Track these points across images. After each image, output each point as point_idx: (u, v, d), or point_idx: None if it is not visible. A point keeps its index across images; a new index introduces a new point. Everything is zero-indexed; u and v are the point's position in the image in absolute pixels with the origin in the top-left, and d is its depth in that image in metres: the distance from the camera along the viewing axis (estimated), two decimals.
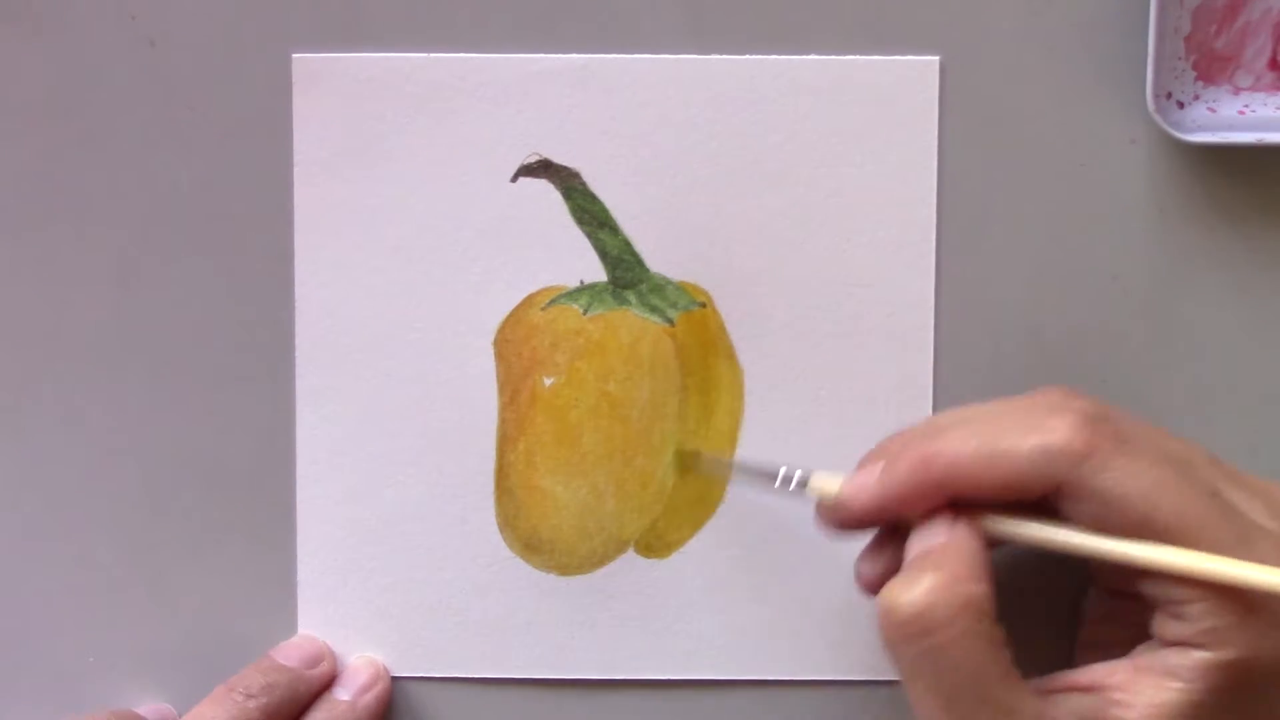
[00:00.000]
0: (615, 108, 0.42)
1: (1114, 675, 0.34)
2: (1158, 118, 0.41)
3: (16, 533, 0.43)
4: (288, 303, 0.43)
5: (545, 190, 0.42)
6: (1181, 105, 0.42)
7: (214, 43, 0.42)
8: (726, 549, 0.43)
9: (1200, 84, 0.42)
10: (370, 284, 0.42)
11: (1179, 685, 0.33)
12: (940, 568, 0.34)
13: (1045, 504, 0.35)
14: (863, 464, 0.37)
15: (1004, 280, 0.42)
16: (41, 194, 0.42)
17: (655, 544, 0.43)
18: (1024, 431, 0.34)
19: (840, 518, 0.37)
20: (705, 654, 0.43)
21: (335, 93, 0.42)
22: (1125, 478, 0.33)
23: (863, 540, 0.39)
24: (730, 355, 0.43)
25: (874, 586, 0.37)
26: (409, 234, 0.42)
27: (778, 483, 0.39)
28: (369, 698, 0.42)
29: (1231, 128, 0.42)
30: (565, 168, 0.42)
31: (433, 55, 0.42)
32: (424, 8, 0.42)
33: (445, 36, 0.42)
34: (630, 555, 0.43)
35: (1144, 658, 0.34)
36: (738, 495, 0.43)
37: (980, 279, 0.42)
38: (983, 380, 0.43)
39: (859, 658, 0.43)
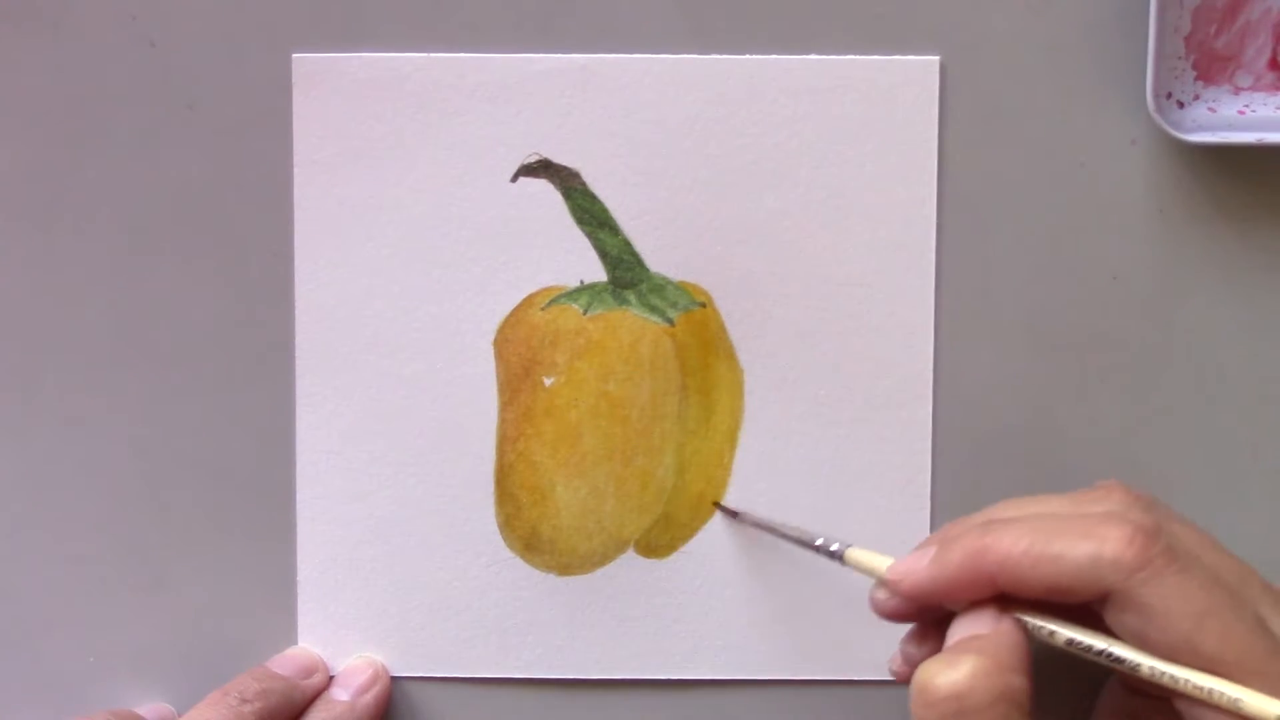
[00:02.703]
0: (615, 108, 0.42)
1: None
2: (1158, 118, 0.41)
3: (17, 532, 0.43)
4: (288, 303, 0.43)
5: (545, 190, 0.42)
6: (1181, 105, 0.42)
7: (214, 43, 0.42)
8: (726, 549, 0.43)
9: (1200, 84, 0.42)
10: (370, 284, 0.42)
11: None
12: (983, 653, 0.34)
13: (1088, 609, 0.35)
14: (918, 548, 0.37)
15: (1004, 280, 0.42)
16: (42, 194, 0.42)
17: (655, 544, 0.43)
18: (1078, 537, 0.34)
19: (888, 606, 0.38)
20: (705, 654, 0.43)
21: (335, 93, 0.42)
22: (1174, 596, 0.33)
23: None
24: (730, 355, 0.43)
25: (912, 670, 0.38)
26: (409, 234, 0.42)
27: (816, 545, 0.40)
28: (368, 698, 0.42)
29: (1231, 128, 0.42)
30: (565, 168, 0.42)
31: (433, 55, 0.42)
32: (424, 8, 0.42)
33: (445, 36, 0.42)
34: (630, 555, 0.43)
35: None
36: (738, 495, 0.43)
37: (980, 279, 0.42)
38: (983, 380, 0.43)
39: (859, 658, 0.43)
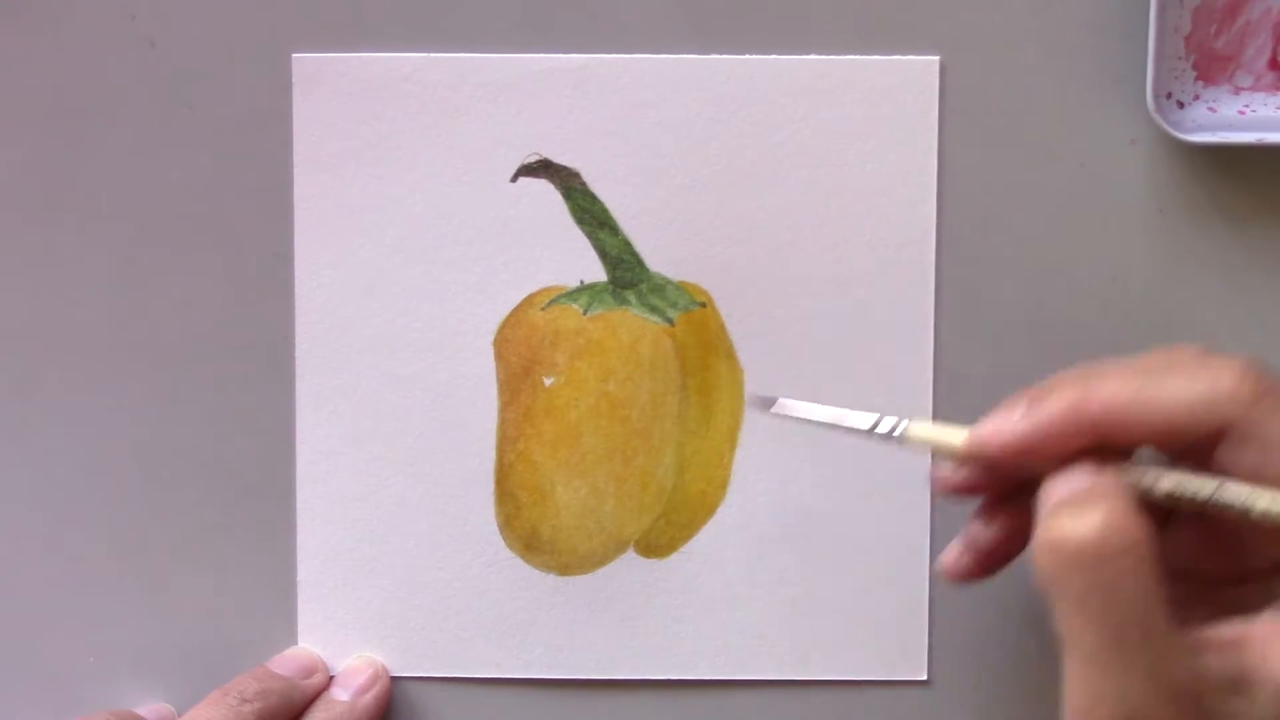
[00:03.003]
0: (615, 108, 0.42)
1: (1256, 630, 0.33)
2: (1158, 118, 0.41)
3: (16, 533, 0.43)
4: (288, 303, 0.43)
5: (545, 190, 0.42)
6: (1181, 105, 0.42)
7: (214, 43, 0.42)
8: (726, 549, 0.43)
9: (1200, 84, 0.42)
10: (370, 284, 0.42)
11: None
12: (1106, 504, 0.32)
13: (1192, 458, 0.34)
14: (999, 412, 0.35)
15: (1004, 280, 0.42)
16: (42, 194, 0.42)
17: (655, 544, 0.43)
18: (1189, 375, 0.33)
19: (957, 479, 0.36)
20: (705, 654, 0.43)
21: (335, 93, 0.42)
22: None
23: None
24: (730, 355, 0.43)
25: (985, 553, 0.37)
26: (409, 234, 0.42)
27: (871, 429, 0.37)
28: (368, 698, 0.42)
29: (1231, 128, 0.42)
30: (565, 168, 0.42)
31: (433, 55, 0.42)
32: (424, 8, 0.42)
33: (445, 36, 0.42)
34: (630, 555, 0.43)
35: None
36: (738, 495, 0.43)
37: (980, 279, 0.42)
38: (983, 380, 0.43)
39: (859, 658, 0.43)
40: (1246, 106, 0.42)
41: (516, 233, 0.42)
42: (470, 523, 0.43)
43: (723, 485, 0.43)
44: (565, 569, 0.43)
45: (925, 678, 0.43)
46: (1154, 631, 0.32)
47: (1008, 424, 0.34)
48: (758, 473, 0.43)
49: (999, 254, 0.42)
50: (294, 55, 0.42)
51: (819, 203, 0.42)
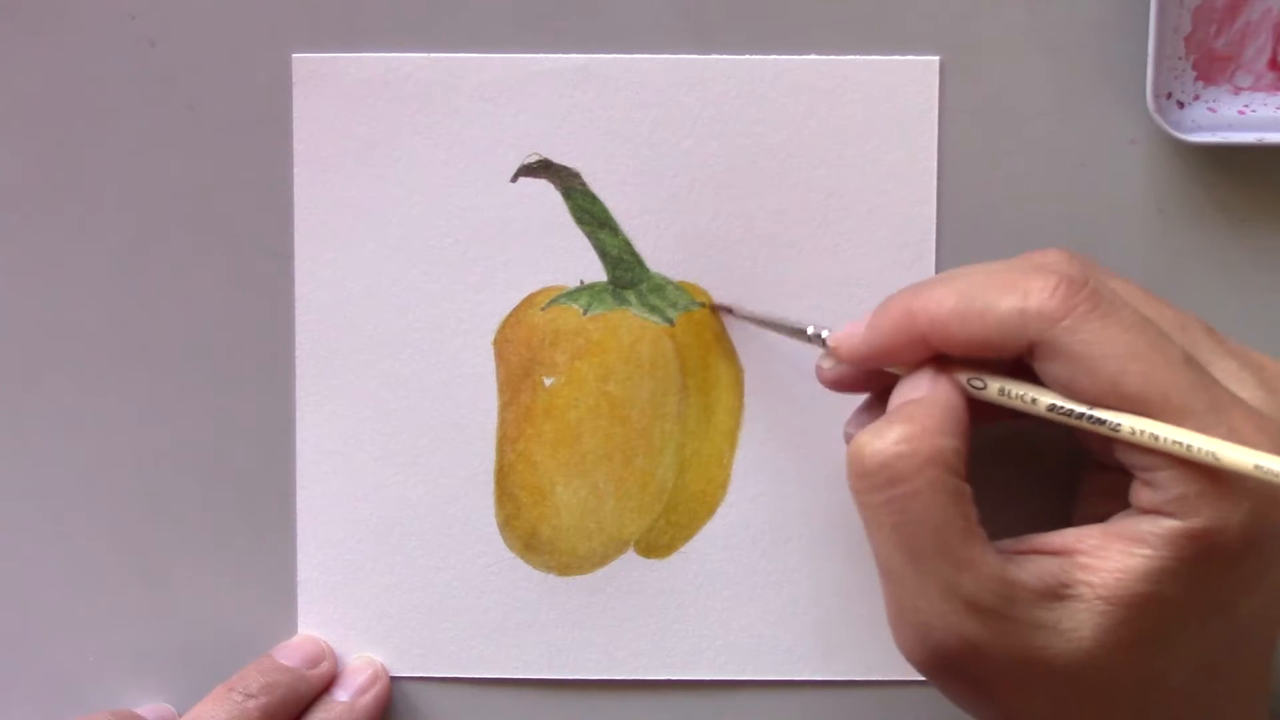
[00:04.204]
0: (615, 108, 0.42)
1: (1084, 540, 0.34)
2: (1158, 118, 0.41)
3: (16, 533, 0.43)
4: (288, 303, 0.43)
5: (545, 190, 0.42)
6: (1181, 105, 0.42)
7: (214, 43, 0.42)
8: (726, 549, 0.43)
9: (1200, 84, 0.42)
10: (370, 284, 0.42)
11: (1147, 552, 0.33)
12: (911, 420, 0.34)
13: (1024, 366, 0.35)
14: (848, 322, 0.38)
15: None
16: (42, 194, 0.42)
17: (655, 544, 0.43)
18: (1003, 291, 0.34)
19: (831, 374, 0.39)
20: (705, 654, 0.43)
21: (335, 93, 0.42)
22: (1096, 341, 0.33)
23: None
24: (730, 355, 0.43)
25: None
26: (409, 234, 0.42)
27: (806, 332, 0.39)
28: (367, 698, 0.42)
29: (1231, 128, 0.42)
30: (565, 168, 0.42)
31: (433, 55, 0.42)
32: (424, 8, 0.42)
33: (445, 36, 0.42)
34: (630, 555, 0.43)
35: (1117, 524, 0.34)
36: (738, 495, 0.43)
37: None
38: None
39: (858, 658, 0.43)
40: (1246, 106, 0.42)
41: (516, 233, 0.42)
42: (470, 523, 0.43)
43: (723, 485, 0.43)
44: (565, 569, 0.43)
45: (925, 678, 0.43)
46: (949, 547, 0.33)
47: (854, 333, 0.37)
48: (758, 473, 0.43)
49: (999, 254, 0.42)
50: (294, 55, 0.42)
51: (819, 203, 0.42)
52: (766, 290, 0.42)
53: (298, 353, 0.43)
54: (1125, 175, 0.42)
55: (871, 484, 0.34)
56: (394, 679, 0.43)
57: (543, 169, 0.42)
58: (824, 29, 0.42)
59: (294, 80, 0.42)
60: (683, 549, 0.43)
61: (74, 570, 0.43)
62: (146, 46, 0.42)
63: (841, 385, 0.39)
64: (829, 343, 0.38)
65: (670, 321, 0.42)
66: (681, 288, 0.42)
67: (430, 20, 0.42)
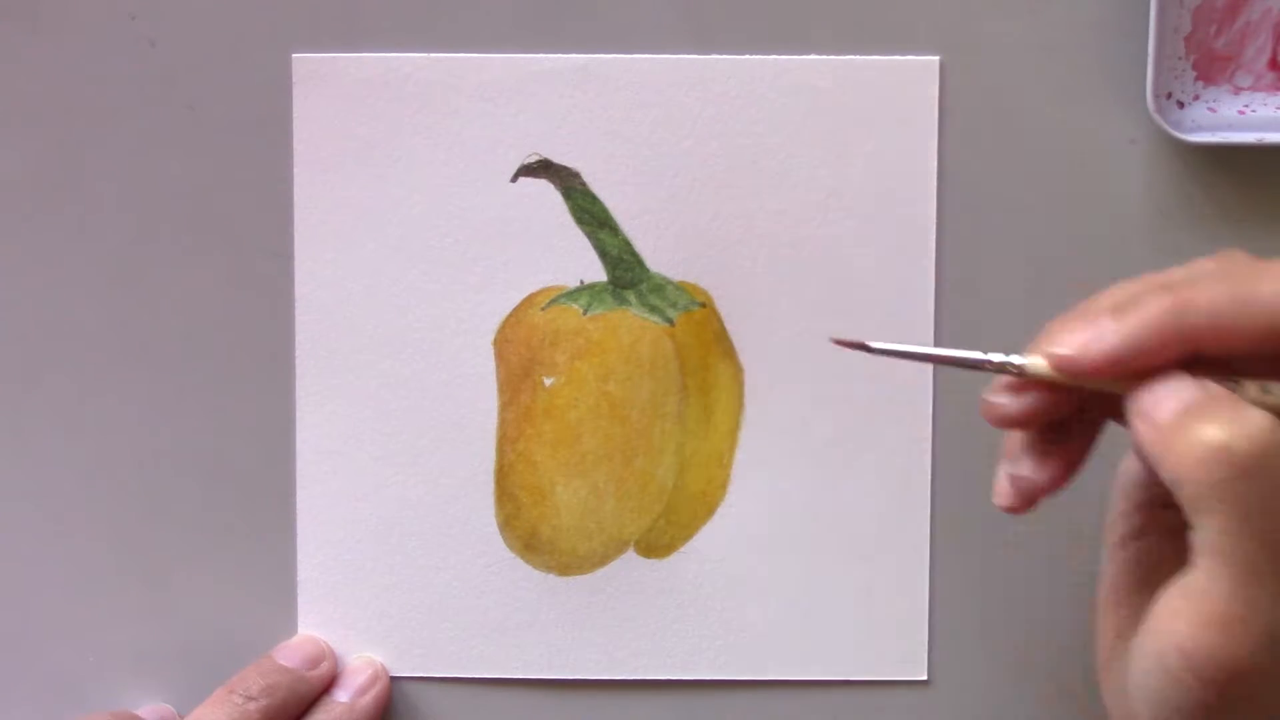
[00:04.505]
0: (615, 108, 0.42)
1: None
2: (1158, 118, 0.41)
3: (16, 533, 0.43)
4: (288, 303, 0.43)
5: (545, 190, 0.42)
6: (1181, 105, 0.42)
7: (214, 43, 0.42)
8: (726, 549, 0.43)
9: (1200, 84, 0.42)
10: (370, 284, 0.42)
11: None
12: (1246, 410, 0.30)
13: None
14: (1071, 325, 0.32)
15: (1004, 280, 0.42)
16: (41, 194, 0.42)
17: (655, 544, 0.43)
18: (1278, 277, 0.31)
19: (1012, 409, 0.33)
20: (705, 654, 0.43)
21: (335, 93, 0.42)
22: None
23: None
24: (730, 355, 0.43)
25: (1039, 491, 0.34)
26: (409, 234, 0.42)
27: (984, 359, 0.34)
28: (367, 699, 0.42)
29: (1231, 128, 0.42)
30: (565, 168, 0.42)
31: (433, 55, 0.42)
32: (424, 8, 0.42)
33: (445, 36, 0.42)
34: (630, 555, 0.43)
35: None
36: (738, 495, 0.43)
37: (980, 278, 0.42)
38: (983, 380, 0.42)
39: (859, 658, 0.43)
40: (1246, 106, 0.42)
41: (516, 233, 0.42)
42: (470, 523, 0.43)
43: (723, 485, 0.43)
44: (565, 569, 0.43)
45: (925, 678, 0.43)
46: None
47: (1099, 338, 0.32)
48: (758, 473, 0.43)
49: (999, 254, 0.42)
50: (294, 55, 0.42)
51: (819, 203, 0.42)
52: (767, 290, 0.42)
53: (298, 353, 0.43)
54: (1125, 175, 0.42)
55: (1246, 472, 0.29)
56: (394, 679, 0.43)
57: (543, 169, 0.42)
58: (824, 29, 0.42)
59: (294, 80, 0.42)
60: (683, 549, 0.43)
61: (74, 570, 0.43)
62: (146, 46, 0.42)
63: (1022, 419, 0.34)
64: (1070, 351, 0.32)
65: (670, 321, 0.42)
66: (681, 288, 0.42)
67: (430, 20, 0.42)
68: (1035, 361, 0.33)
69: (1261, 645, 0.30)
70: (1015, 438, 0.35)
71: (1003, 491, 0.35)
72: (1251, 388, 0.32)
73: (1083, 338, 0.32)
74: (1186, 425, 0.30)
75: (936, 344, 0.42)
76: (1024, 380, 0.33)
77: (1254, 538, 0.30)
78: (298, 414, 0.43)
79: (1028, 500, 0.35)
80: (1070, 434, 0.34)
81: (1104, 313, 0.32)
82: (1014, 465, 0.35)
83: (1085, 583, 0.41)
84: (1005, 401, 0.34)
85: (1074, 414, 0.34)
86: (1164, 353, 0.32)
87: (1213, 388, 0.31)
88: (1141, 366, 0.32)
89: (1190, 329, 0.31)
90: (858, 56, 0.42)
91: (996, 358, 0.33)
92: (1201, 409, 0.31)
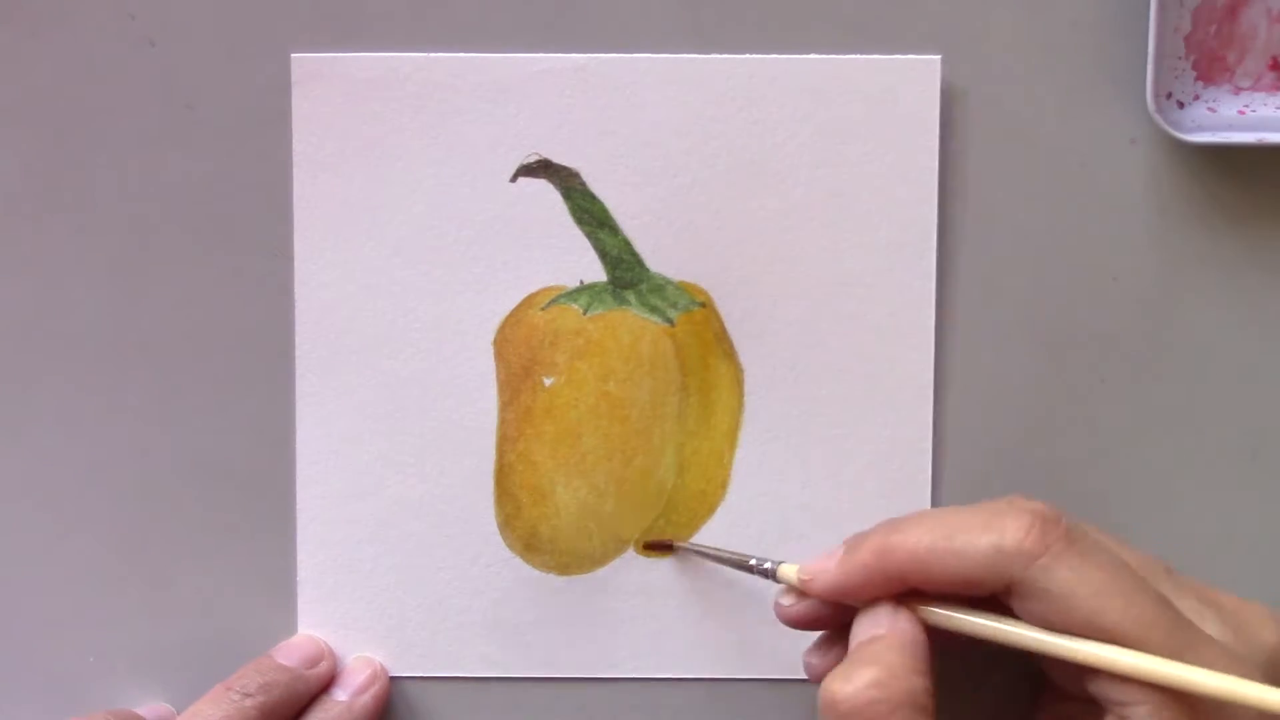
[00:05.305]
0: (615, 108, 0.42)
1: None
2: (1158, 118, 0.41)
3: (16, 533, 0.43)
4: (288, 303, 0.43)
5: (545, 190, 0.42)
6: (1181, 105, 0.42)
7: (214, 43, 0.42)
8: (726, 549, 0.43)
9: (1200, 84, 0.42)
10: (370, 284, 0.42)
11: None
12: (879, 661, 0.35)
13: (997, 602, 0.36)
14: (826, 552, 0.38)
15: (1004, 280, 0.42)
16: (41, 193, 0.42)
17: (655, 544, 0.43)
18: (980, 530, 0.35)
19: (793, 611, 0.39)
20: (705, 654, 0.43)
21: (335, 93, 0.42)
22: (1074, 577, 0.34)
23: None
24: (730, 355, 0.43)
25: (820, 678, 0.38)
26: (409, 234, 0.42)
27: (751, 565, 0.40)
28: (366, 698, 0.42)
29: (1231, 128, 0.42)
30: (565, 168, 0.42)
31: (433, 55, 0.42)
32: (424, 8, 0.42)
33: (445, 36, 0.42)
34: (630, 555, 0.43)
35: None
36: (738, 495, 0.43)
37: (980, 279, 0.42)
38: (983, 380, 0.43)
39: None
40: (1246, 106, 0.42)
41: (516, 233, 0.42)
42: (470, 523, 0.43)
43: (723, 485, 0.43)
44: (565, 569, 0.43)
45: None
46: None
47: (827, 567, 0.37)
48: (758, 473, 0.43)
49: (999, 254, 0.42)
50: (294, 55, 0.42)
51: (819, 203, 0.42)
52: (767, 290, 0.42)
53: (298, 353, 0.43)
54: (1125, 175, 0.42)
55: None
56: (393, 679, 0.43)
57: (543, 169, 0.42)
58: (824, 29, 0.42)
59: (294, 80, 0.42)
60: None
61: (74, 570, 0.43)
62: (146, 46, 0.42)
63: (803, 622, 0.39)
64: (799, 575, 0.38)
65: (670, 321, 0.42)
66: (681, 288, 0.42)
67: (430, 20, 0.42)
68: (787, 571, 0.39)
69: None
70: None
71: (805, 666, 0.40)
72: (943, 616, 0.36)
73: (816, 566, 0.37)
74: (829, 677, 0.35)
75: (935, 342, 0.42)
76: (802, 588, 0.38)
77: None
78: (298, 414, 0.43)
79: (815, 680, 0.39)
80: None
81: (844, 545, 0.37)
82: (806, 653, 0.40)
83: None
84: (788, 604, 0.39)
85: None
86: (880, 586, 0.36)
87: (899, 620, 0.36)
88: (866, 596, 0.37)
89: (896, 570, 0.36)
90: (858, 56, 0.42)
91: (765, 564, 0.40)
92: (848, 660, 0.35)
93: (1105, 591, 0.34)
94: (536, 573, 0.43)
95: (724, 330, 0.42)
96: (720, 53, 0.42)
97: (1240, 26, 0.42)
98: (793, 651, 0.43)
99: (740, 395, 0.43)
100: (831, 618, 0.39)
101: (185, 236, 0.43)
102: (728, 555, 0.41)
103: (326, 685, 0.42)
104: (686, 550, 0.42)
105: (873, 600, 0.36)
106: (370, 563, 0.43)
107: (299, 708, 0.41)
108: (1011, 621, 0.35)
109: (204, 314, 0.43)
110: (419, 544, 0.43)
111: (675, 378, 0.43)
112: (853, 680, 0.34)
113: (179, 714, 0.42)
